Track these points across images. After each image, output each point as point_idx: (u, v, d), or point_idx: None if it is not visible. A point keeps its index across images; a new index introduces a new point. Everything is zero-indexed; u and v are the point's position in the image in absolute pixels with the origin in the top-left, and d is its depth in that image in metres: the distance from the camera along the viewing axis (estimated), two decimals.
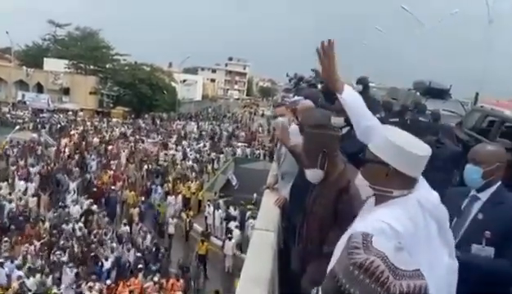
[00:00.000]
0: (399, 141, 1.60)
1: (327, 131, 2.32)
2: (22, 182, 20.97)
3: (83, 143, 29.66)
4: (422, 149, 1.61)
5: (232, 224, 19.61)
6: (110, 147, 28.88)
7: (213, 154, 30.42)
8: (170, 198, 21.52)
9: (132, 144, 30.99)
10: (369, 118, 2.06)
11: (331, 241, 2.16)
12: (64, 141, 29.88)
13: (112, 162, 25.63)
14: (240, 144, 34.77)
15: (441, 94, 11.20)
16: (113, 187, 21.68)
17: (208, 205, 21.10)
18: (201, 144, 32.98)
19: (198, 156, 29.67)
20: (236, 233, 18.38)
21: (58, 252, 14.42)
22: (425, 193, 1.63)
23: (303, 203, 2.52)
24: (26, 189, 20.46)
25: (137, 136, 34.10)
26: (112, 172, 23.72)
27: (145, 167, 25.61)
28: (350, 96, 2.06)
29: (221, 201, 22.12)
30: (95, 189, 21.21)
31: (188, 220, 20.16)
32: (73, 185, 20.99)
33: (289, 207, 3.28)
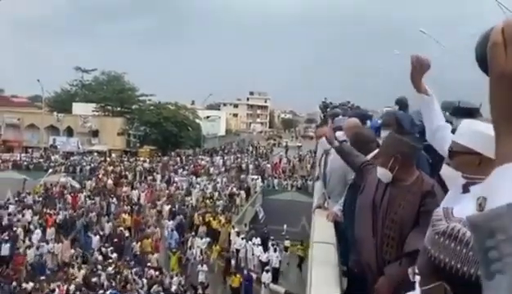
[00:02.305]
0: (488, 130, 1.70)
1: (406, 139, 2.55)
2: (38, 230, 20.85)
3: (106, 185, 29.98)
4: None
5: (263, 256, 19.70)
6: (124, 189, 28.65)
7: (234, 189, 30.05)
8: (199, 242, 20.48)
9: (154, 183, 31.25)
10: (440, 119, 2.30)
11: (411, 241, 2.33)
12: (89, 183, 30.41)
13: (127, 207, 24.93)
14: (254, 176, 34.40)
15: (471, 113, 11.22)
16: (127, 234, 21.27)
17: (242, 238, 21.15)
18: (219, 180, 32.54)
19: (218, 194, 28.97)
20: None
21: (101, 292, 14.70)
22: None
23: (361, 215, 2.70)
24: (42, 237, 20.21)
25: (161, 174, 34.27)
26: (131, 217, 23.37)
27: (167, 208, 24.79)
28: (429, 97, 2.31)
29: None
30: (115, 240, 20.70)
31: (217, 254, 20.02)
32: (96, 240, 20.52)
33: (345, 220, 3.41)
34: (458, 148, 1.80)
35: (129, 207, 25.03)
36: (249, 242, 20.81)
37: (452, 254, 0.95)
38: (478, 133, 1.75)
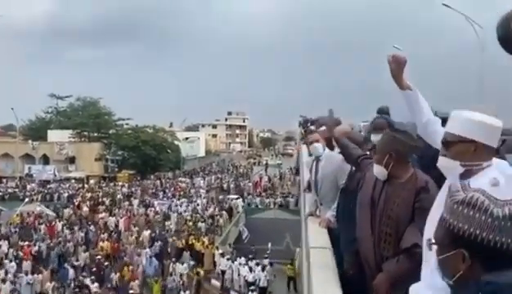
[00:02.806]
0: (478, 117, 1.81)
1: (400, 137, 2.57)
2: (13, 263, 20.05)
3: (82, 213, 29.21)
4: (498, 121, 1.84)
5: (250, 276, 19.48)
6: (102, 215, 27.85)
7: (216, 210, 29.72)
8: (180, 267, 19.72)
9: (132, 207, 30.68)
10: (429, 113, 2.30)
11: (408, 237, 2.37)
12: (67, 211, 29.48)
13: (103, 235, 24.05)
14: (233, 196, 34.07)
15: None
16: (106, 263, 20.25)
17: (227, 259, 20.89)
18: (199, 202, 32.13)
19: (199, 216, 28.46)
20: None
21: None
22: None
23: (354, 217, 2.72)
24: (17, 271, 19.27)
25: (140, 199, 33.65)
26: (109, 244, 22.60)
27: (147, 233, 24.10)
28: (414, 92, 2.31)
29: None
30: (94, 269, 19.74)
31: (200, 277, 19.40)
32: (71, 272, 19.49)
33: (339, 224, 3.41)
34: (452, 138, 1.85)
35: (107, 234, 24.27)
36: (235, 262, 20.57)
37: (471, 221, 1.02)
38: (469, 121, 1.82)
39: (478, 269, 1.02)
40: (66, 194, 35.87)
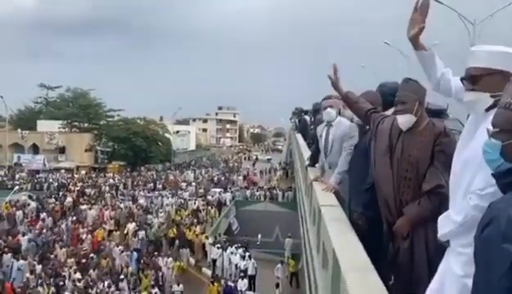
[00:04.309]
0: (500, 48, 1.90)
1: (423, 86, 2.72)
2: (9, 255, 18.82)
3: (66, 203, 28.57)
4: None
5: (242, 263, 19.74)
6: (84, 207, 27.17)
7: (202, 203, 29.54)
8: (167, 261, 19.28)
9: (119, 199, 30.62)
10: (442, 68, 2.42)
11: (430, 179, 2.54)
12: (52, 201, 28.73)
13: (83, 229, 23.30)
14: (216, 189, 33.92)
15: (439, 113, 11.77)
16: (91, 255, 19.72)
17: (218, 247, 21.12)
18: (185, 195, 32.02)
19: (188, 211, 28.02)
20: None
21: None
22: None
23: (366, 170, 2.94)
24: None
25: (126, 192, 33.52)
26: (92, 237, 22.14)
27: (131, 226, 23.54)
28: (430, 52, 2.43)
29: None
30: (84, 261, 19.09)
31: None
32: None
33: (351, 177, 3.58)
34: (479, 71, 1.90)
35: (89, 227, 23.74)
36: (226, 251, 20.82)
37: None
38: (495, 53, 1.91)
39: None
40: (56, 184, 35.73)
